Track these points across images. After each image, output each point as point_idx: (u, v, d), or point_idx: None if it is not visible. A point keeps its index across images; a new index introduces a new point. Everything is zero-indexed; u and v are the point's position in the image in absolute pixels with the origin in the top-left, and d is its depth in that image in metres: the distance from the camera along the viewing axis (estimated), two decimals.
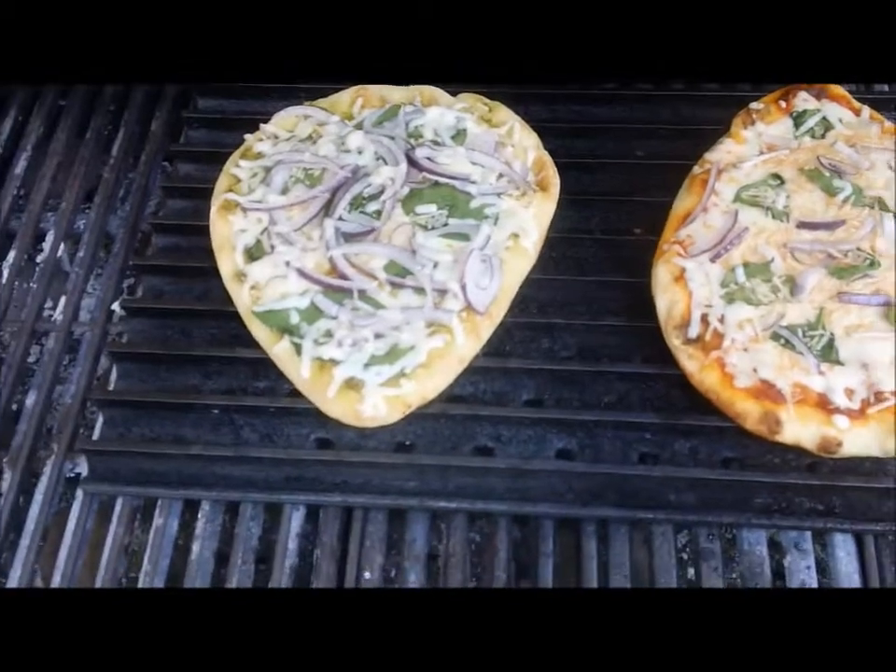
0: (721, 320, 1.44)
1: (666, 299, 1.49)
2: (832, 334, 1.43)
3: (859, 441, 1.36)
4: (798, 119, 1.66)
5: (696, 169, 1.62)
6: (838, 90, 1.70)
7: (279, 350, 1.46)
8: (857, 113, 1.68)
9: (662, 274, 1.51)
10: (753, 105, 1.68)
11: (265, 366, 1.51)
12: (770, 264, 1.50)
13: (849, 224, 1.53)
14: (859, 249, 1.50)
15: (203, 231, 1.60)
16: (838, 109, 1.68)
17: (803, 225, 1.54)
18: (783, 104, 1.68)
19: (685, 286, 1.48)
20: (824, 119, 1.66)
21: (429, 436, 1.50)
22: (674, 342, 1.46)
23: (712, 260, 1.50)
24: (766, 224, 1.54)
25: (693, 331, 1.45)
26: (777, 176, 1.59)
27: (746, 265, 1.49)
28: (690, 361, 1.44)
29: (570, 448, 1.48)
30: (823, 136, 1.65)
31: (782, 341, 1.43)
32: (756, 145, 1.64)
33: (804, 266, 1.50)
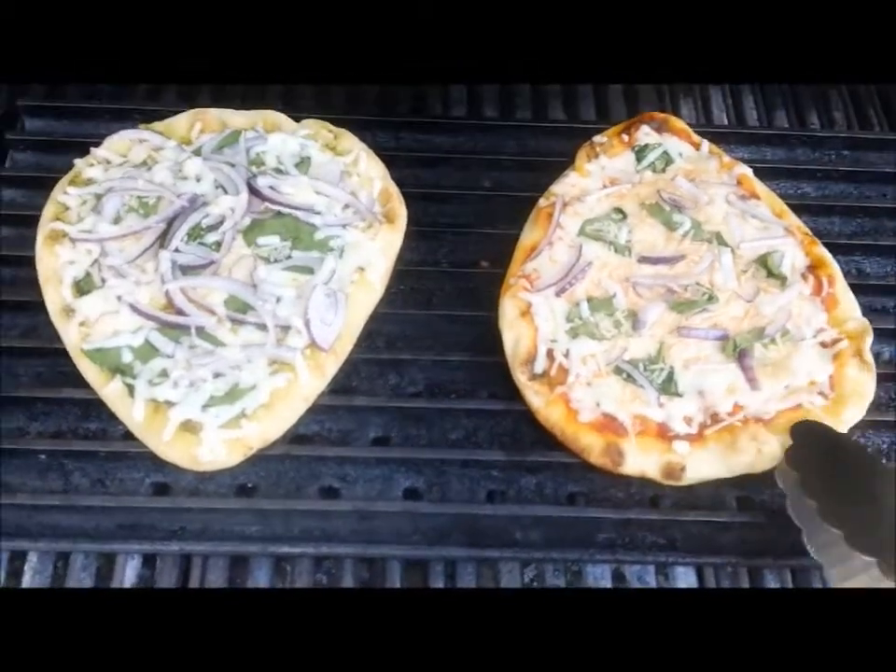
0: (566, 355, 1.45)
1: (513, 334, 1.48)
2: (671, 367, 1.46)
3: (702, 463, 1.40)
4: (640, 153, 1.69)
5: (542, 202, 1.63)
6: (679, 123, 1.74)
7: (109, 391, 1.38)
8: (696, 147, 1.72)
9: (508, 309, 1.50)
10: (597, 139, 1.70)
11: (96, 406, 1.43)
12: (613, 299, 1.51)
13: (689, 259, 1.57)
14: (698, 284, 1.53)
15: (30, 263, 1.51)
16: (678, 143, 1.71)
17: (644, 259, 1.56)
18: (626, 137, 1.71)
19: (531, 321, 1.48)
20: (665, 153, 1.69)
21: (273, 478, 1.44)
22: (520, 377, 1.46)
23: (557, 295, 1.51)
24: (609, 258, 1.57)
25: (539, 367, 1.45)
26: (619, 210, 1.61)
27: (590, 300, 1.51)
28: (536, 397, 1.44)
29: (418, 486, 1.45)
30: (664, 170, 1.68)
31: (624, 375, 1.45)
32: (600, 178, 1.66)
33: (645, 301, 1.52)
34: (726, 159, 1.71)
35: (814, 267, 1.57)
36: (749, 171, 1.69)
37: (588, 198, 1.61)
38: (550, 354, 1.45)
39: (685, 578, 1.45)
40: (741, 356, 1.46)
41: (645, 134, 1.70)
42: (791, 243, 1.59)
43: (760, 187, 1.68)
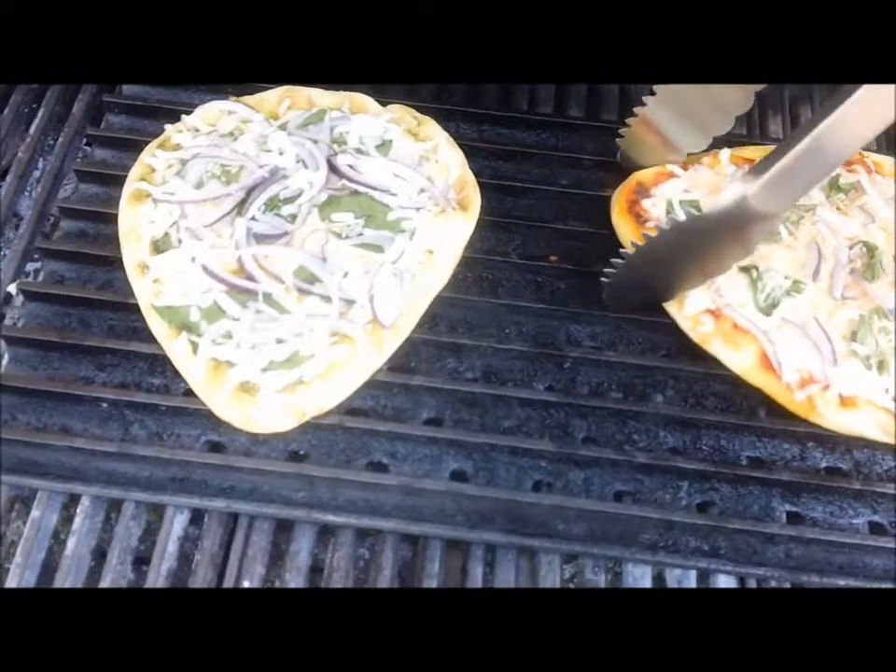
0: None
1: None
2: None
3: None
4: None
5: None
6: None
7: (175, 347, 1.42)
8: None
9: None
10: None
11: (162, 363, 1.47)
12: None
13: None
14: None
15: (113, 220, 1.57)
16: None
17: None
18: None
19: None
20: None
21: (324, 447, 1.47)
22: None
23: None
24: None
25: None
26: None
27: None
28: None
29: (465, 470, 1.46)
30: None
31: None
32: None
33: None
34: None
35: None
36: None
37: None
38: None
39: (727, 587, 1.42)
40: None
41: None
42: None
43: None
